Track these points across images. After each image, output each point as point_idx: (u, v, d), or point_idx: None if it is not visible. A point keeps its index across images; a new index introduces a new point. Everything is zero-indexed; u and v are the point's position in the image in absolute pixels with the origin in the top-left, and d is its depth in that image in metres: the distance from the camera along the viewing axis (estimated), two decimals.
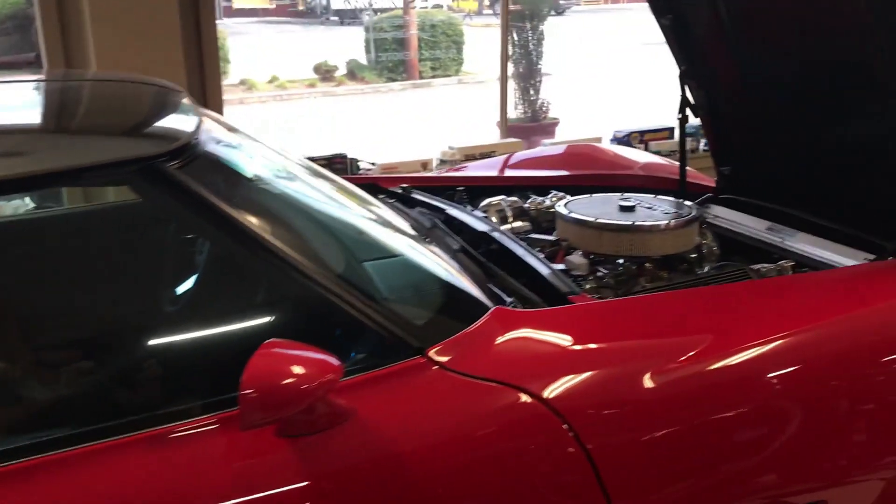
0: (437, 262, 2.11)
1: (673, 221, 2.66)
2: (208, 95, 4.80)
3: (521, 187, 3.56)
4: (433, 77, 19.32)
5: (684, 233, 2.68)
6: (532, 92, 9.34)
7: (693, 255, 3.07)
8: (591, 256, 2.70)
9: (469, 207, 3.12)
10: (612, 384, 1.79)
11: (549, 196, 3.36)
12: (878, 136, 2.87)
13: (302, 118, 14.68)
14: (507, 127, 9.47)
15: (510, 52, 9.44)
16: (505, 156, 4.29)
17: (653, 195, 3.02)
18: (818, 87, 3.06)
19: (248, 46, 21.46)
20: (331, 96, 18.80)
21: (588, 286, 2.53)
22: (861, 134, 2.98)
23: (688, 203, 2.88)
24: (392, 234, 2.26)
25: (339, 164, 5.45)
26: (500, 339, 1.81)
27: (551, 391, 1.68)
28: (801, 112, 3.19)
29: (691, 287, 2.48)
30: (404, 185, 3.20)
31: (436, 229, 2.53)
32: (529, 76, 9.37)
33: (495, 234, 2.53)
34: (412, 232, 2.36)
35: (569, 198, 3.22)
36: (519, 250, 2.39)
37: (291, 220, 2.00)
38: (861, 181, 3.06)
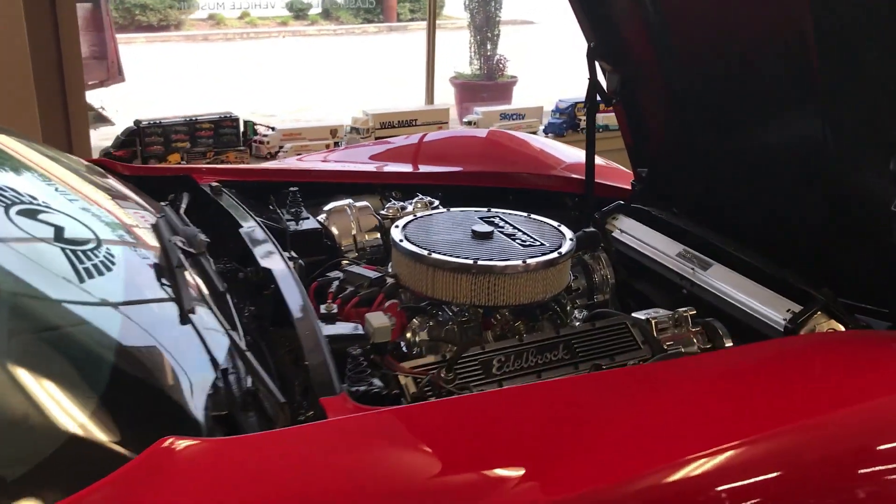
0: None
1: (532, 261, 2.00)
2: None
3: (390, 185, 2.89)
4: (411, 20, 18.38)
5: (547, 277, 2.03)
6: (489, 46, 8.43)
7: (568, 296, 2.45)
8: (428, 305, 2.05)
9: (288, 218, 2.45)
10: None
11: (414, 201, 2.69)
12: (815, 150, 2.21)
13: (246, 61, 13.75)
14: (460, 85, 8.72)
15: None
16: (396, 139, 3.60)
17: (526, 214, 2.35)
18: (751, 85, 2.39)
19: None
20: (301, 36, 17.87)
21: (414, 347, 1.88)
22: (797, 147, 2.32)
23: (566, 233, 2.21)
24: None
25: (228, 128, 4.74)
26: None
27: None
28: (732, 110, 2.53)
29: (540, 361, 1.86)
30: (218, 181, 2.52)
31: (190, 267, 1.85)
32: (486, 26, 8.41)
33: (278, 272, 1.86)
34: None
35: (419, 210, 2.56)
36: (294, 302, 1.72)
37: None
38: (794, 208, 2.41)
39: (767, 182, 2.47)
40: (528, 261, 1.99)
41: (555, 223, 2.27)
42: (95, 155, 4.66)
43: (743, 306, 2.34)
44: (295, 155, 4.66)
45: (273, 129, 4.97)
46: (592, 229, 2.73)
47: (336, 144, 5.00)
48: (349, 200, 2.60)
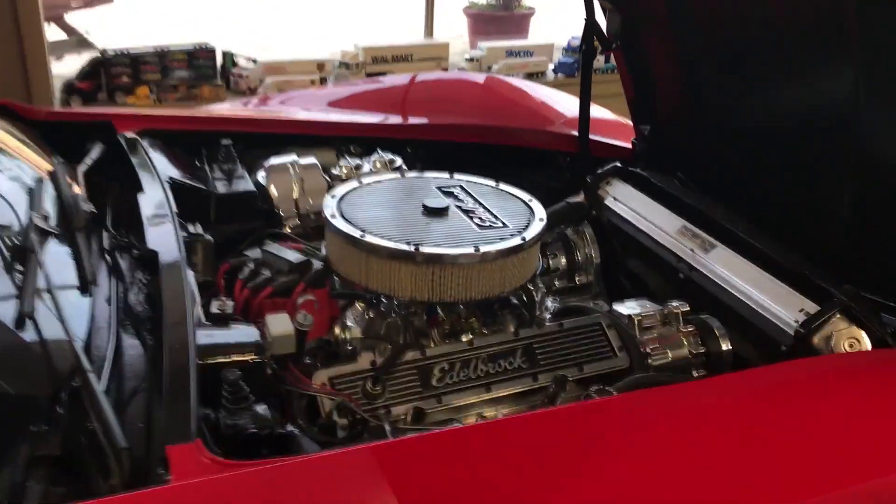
0: None
1: (488, 248, 1.63)
2: None
3: (350, 138, 2.51)
4: None
5: (505, 268, 1.66)
6: None
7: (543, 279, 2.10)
8: (367, 293, 1.70)
9: (218, 177, 2.09)
10: None
11: (372, 158, 2.31)
12: (845, 111, 1.81)
13: None
14: (473, 15, 8.18)
15: None
16: (383, 80, 3.19)
17: (494, 184, 1.97)
18: (773, 33, 1.98)
19: None
20: None
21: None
22: (824, 106, 1.92)
23: (537, 210, 1.83)
24: None
25: (203, 59, 4.34)
26: None
27: None
28: (749, 62, 2.12)
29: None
30: (139, 132, 2.15)
31: (60, 246, 1.50)
32: None
33: (165, 255, 1.50)
34: None
35: (377, 171, 2.19)
36: (169, 299, 1.36)
37: None
38: (817, 181, 2.01)
39: (788, 149, 2.07)
40: (483, 248, 1.63)
41: (526, 196, 1.90)
42: (58, 87, 4.29)
43: (748, 300, 1.98)
44: (278, 92, 4.27)
45: (255, 61, 4.56)
46: (577, 199, 2.35)
47: (323, 81, 4.59)
48: (293, 156, 2.23)
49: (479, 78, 3.19)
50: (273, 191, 2.14)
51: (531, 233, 1.71)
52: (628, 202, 2.42)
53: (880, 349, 1.71)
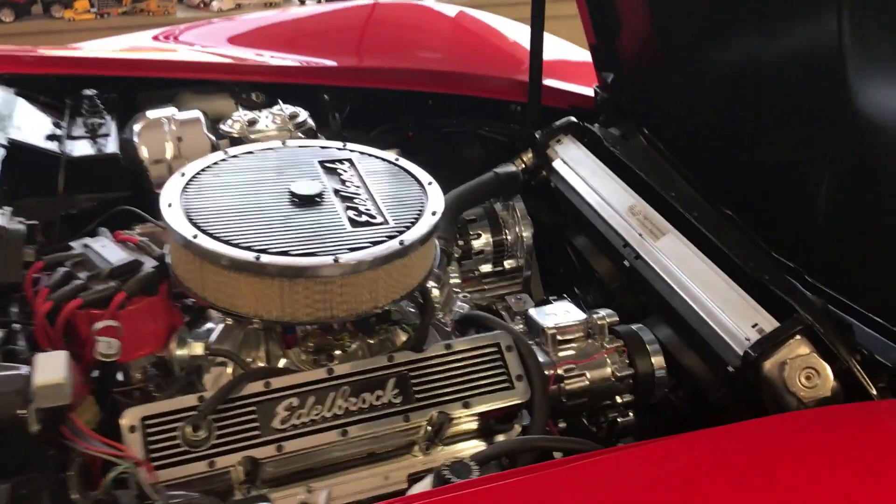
0: None
1: (351, 257, 1.30)
2: None
3: (257, 84, 2.14)
4: None
5: (377, 279, 1.33)
6: None
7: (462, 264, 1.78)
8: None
9: (80, 135, 1.75)
10: None
11: (271, 113, 1.96)
12: (827, 63, 1.46)
13: None
14: None
15: None
16: (335, 4, 2.76)
17: (395, 157, 1.62)
18: None
19: None
20: None
21: None
22: (805, 58, 1.56)
23: (433, 199, 1.48)
24: None
25: None
26: None
27: None
28: (727, 9, 1.76)
29: None
30: None
31: None
32: None
33: None
34: None
35: (271, 131, 1.85)
36: None
37: None
38: (796, 148, 1.67)
39: (765, 103, 1.71)
40: (344, 258, 1.30)
41: (426, 178, 1.55)
42: None
43: (695, 304, 1.65)
44: (233, 6, 3.85)
45: None
46: (508, 169, 1.99)
47: None
48: (172, 109, 1.88)
49: (451, 11, 2.75)
50: (143, 152, 1.81)
51: (414, 234, 1.37)
52: (578, 167, 2.07)
53: (848, 404, 1.38)
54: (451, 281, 1.76)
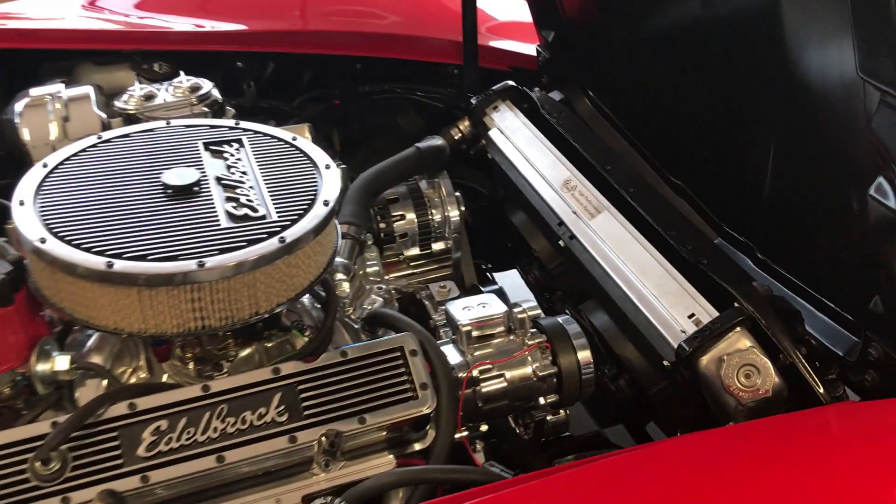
0: None
1: (222, 260, 1.14)
2: None
3: (162, 53, 1.95)
4: None
5: (256, 283, 1.17)
6: None
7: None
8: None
9: None
10: None
11: (171, 86, 1.77)
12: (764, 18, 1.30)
13: None
14: None
15: None
16: None
17: (292, 137, 1.44)
18: None
19: None
20: None
21: None
22: (745, 14, 1.40)
23: (328, 185, 1.31)
24: None
25: None
26: None
27: None
28: None
29: None
30: None
31: None
32: None
33: None
34: None
35: (162, 108, 1.67)
36: None
37: None
38: (740, 113, 1.52)
39: (708, 66, 1.55)
40: (211, 262, 1.14)
41: (324, 160, 1.38)
42: None
43: (629, 291, 1.51)
44: None
45: None
46: (433, 142, 1.82)
47: None
48: (59, 86, 1.69)
49: None
50: (25, 134, 1.63)
51: (300, 229, 1.21)
52: (514, 137, 1.91)
53: (793, 412, 1.23)
54: (370, 269, 1.60)
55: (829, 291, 1.42)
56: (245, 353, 1.30)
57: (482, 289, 1.75)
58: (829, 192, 1.33)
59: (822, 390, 1.29)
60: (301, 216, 1.24)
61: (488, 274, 2.08)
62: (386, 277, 1.70)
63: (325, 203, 1.27)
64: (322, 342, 1.30)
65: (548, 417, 1.47)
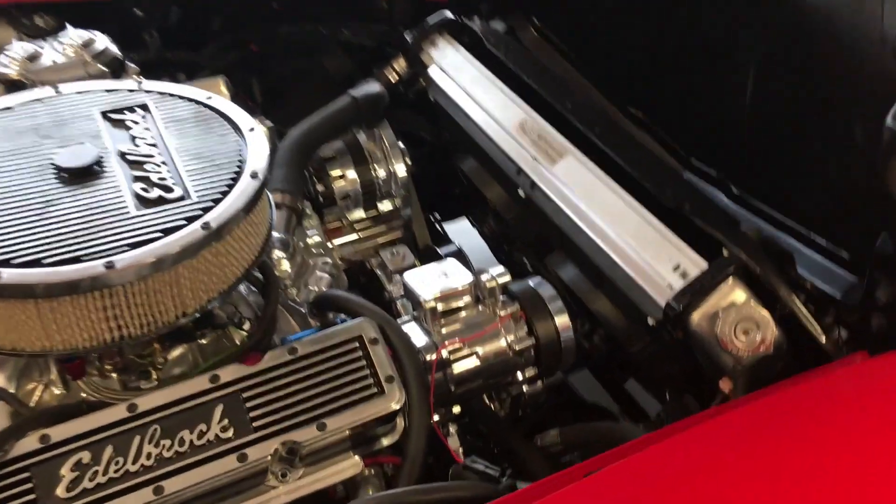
0: None
1: (137, 257, 0.94)
2: None
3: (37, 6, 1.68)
4: None
5: (178, 279, 0.98)
6: None
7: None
8: None
9: None
10: None
11: (59, 42, 1.52)
12: None
13: None
14: None
15: None
16: None
17: (207, 96, 1.23)
18: None
19: None
20: None
21: None
22: None
23: (256, 152, 1.10)
24: None
25: None
26: None
27: None
28: None
29: None
30: None
31: None
32: None
33: None
34: None
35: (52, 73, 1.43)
36: None
37: None
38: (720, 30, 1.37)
39: None
40: (119, 261, 0.94)
41: (247, 122, 1.17)
42: None
43: (604, 243, 1.36)
44: None
45: None
46: (371, 88, 1.62)
47: None
48: None
49: None
50: None
51: (227, 210, 1.01)
52: (457, 75, 1.71)
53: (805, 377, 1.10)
54: (311, 240, 1.41)
55: (820, 226, 1.30)
56: (175, 354, 1.12)
57: (439, 251, 1.58)
58: (822, 120, 1.19)
59: (824, 340, 1.17)
60: (226, 194, 1.04)
61: (438, 226, 1.91)
62: (329, 246, 1.52)
63: (254, 175, 1.07)
64: (264, 334, 1.13)
65: (524, 388, 1.33)
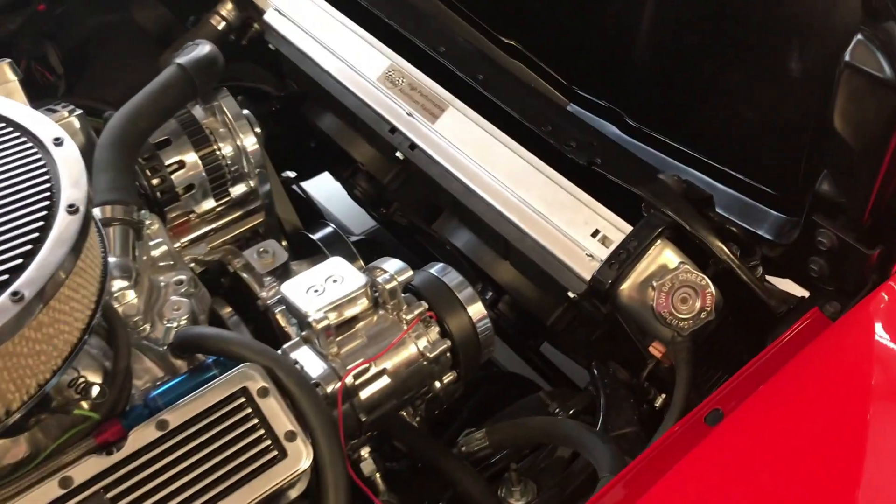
0: None
1: None
2: None
3: None
4: None
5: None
6: None
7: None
8: None
9: None
10: None
11: None
12: None
13: None
14: None
15: None
16: None
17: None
18: None
19: None
20: None
21: None
22: None
23: (72, 178, 0.83)
24: None
25: None
26: None
27: None
28: None
29: None
30: None
31: None
32: None
33: None
34: None
35: None
36: None
37: None
38: None
39: None
40: None
41: (51, 129, 0.88)
42: None
43: (505, 209, 1.18)
44: None
45: None
46: (202, 49, 1.32)
47: None
48: None
49: None
50: None
51: (41, 270, 0.75)
52: (300, 18, 1.45)
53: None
54: (156, 252, 1.15)
55: (734, 161, 1.18)
56: (13, 452, 0.86)
57: (312, 237, 1.35)
58: (743, 47, 1.05)
59: (765, 297, 1.06)
60: (37, 243, 0.78)
61: (299, 190, 1.67)
62: (177, 248, 1.27)
63: (72, 208, 0.81)
64: (119, 395, 0.89)
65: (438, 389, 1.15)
